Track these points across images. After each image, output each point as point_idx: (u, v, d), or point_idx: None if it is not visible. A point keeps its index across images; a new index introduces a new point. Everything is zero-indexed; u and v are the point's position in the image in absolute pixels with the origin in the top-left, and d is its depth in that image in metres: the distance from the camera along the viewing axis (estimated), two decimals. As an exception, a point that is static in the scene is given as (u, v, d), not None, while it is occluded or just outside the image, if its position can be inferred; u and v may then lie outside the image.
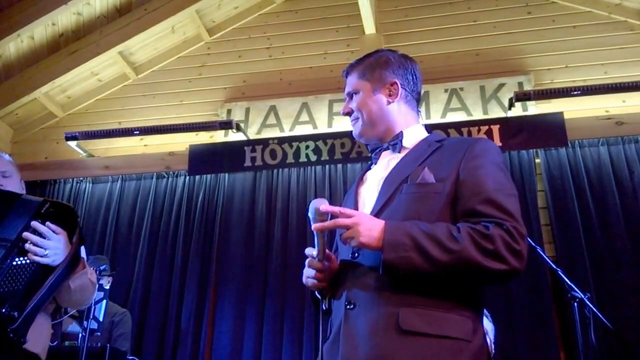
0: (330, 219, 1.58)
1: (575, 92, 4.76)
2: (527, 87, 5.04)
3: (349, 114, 1.90)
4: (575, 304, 3.12)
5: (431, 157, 1.69)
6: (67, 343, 3.87)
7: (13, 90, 5.62)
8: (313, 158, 5.17)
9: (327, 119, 5.39)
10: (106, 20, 5.63)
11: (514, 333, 4.30)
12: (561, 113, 4.83)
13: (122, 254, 5.26)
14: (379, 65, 1.87)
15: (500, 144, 4.78)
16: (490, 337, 3.43)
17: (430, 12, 5.66)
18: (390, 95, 1.84)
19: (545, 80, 5.15)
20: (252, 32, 6.01)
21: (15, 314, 1.93)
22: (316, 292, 1.78)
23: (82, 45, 5.62)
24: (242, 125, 5.43)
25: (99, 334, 3.75)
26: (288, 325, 4.70)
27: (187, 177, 5.43)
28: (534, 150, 4.88)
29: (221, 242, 5.14)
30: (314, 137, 5.25)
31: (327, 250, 1.65)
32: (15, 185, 2.37)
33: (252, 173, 5.31)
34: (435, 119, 5.14)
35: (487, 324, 3.43)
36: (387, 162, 1.79)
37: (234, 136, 5.47)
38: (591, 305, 3.07)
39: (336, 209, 1.57)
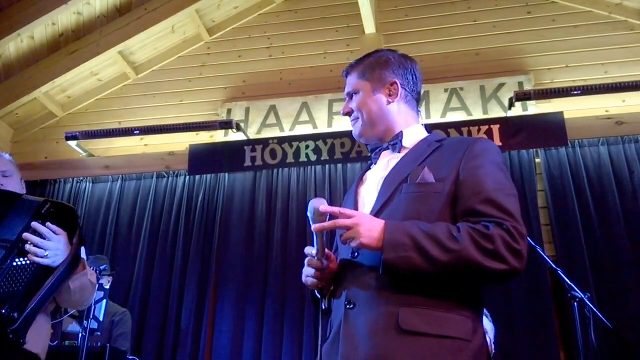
0: (330, 219, 1.58)
1: (575, 92, 4.76)
2: (527, 87, 5.04)
3: (349, 114, 1.90)
4: (575, 303, 3.12)
5: (431, 157, 1.69)
6: (67, 343, 3.87)
7: (13, 90, 5.62)
8: (313, 158, 5.17)
9: (327, 118, 5.39)
10: (106, 20, 5.62)
11: (514, 333, 4.30)
12: (561, 113, 4.83)
13: (122, 253, 5.26)
14: (379, 65, 1.87)
15: (501, 144, 4.78)
16: (490, 337, 3.42)
17: (430, 12, 5.66)
18: (390, 95, 1.84)
19: (545, 80, 5.15)
20: (252, 32, 6.01)
21: (15, 315, 1.93)
22: (316, 292, 1.78)
23: (82, 45, 5.62)
24: (242, 125, 5.43)
25: (99, 333, 3.75)
26: (288, 325, 4.71)
27: (187, 177, 5.44)
28: (534, 150, 4.87)
29: (221, 241, 5.14)
30: (314, 137, 5.25)
31: (326, 250, 1.65)
32: (15, 184, 2.37)
33: (252, 173, 5.31)
34: (436, 118, 5.14)
35: (487, 324, 3.43)
36: (387, 162, 1.79)
37: (234, 136, 5.47)
38: (591, 305, 3.07)
39: (336, 209, 1.57)
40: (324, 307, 1.75)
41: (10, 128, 5.96)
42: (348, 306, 1.58)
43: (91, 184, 5.69)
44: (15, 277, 2.00)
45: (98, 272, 3.53)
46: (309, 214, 1.59)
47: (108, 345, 3.56)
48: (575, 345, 3.68)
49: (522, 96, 4.83)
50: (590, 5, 5.31)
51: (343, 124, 5.21)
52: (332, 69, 5.55)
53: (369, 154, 1.91)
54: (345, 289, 1.63)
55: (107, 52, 5.59)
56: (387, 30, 5.66)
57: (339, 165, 5.15)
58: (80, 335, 3.72)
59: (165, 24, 5.62)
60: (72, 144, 5.54)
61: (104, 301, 3.81)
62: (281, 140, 5.29)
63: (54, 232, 2.10)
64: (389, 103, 1.83)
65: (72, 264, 2.14)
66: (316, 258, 1.65)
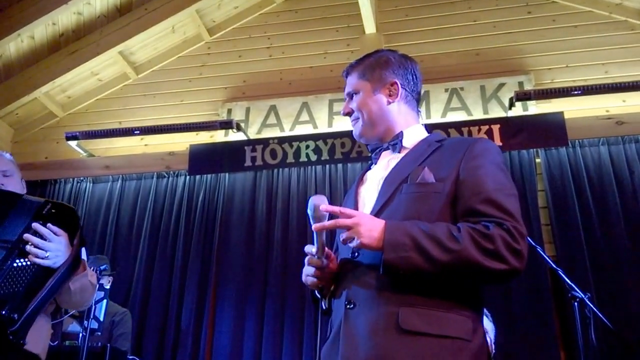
0: (330, 218, 1.58)
1: (575, 92, 4.75)
2: (528, 87, 5.04)
3: (349, 114, 1.90)
4: (576, 303, 3.11)
5: (431, 157, 1.69)
6: (67, 343, 3.87)
7: (13, 90, 5.62)
8: (313, 158, 5.17)
9: (328, 118, 5.39)
10: (106, 20, 5.63)
11: (514, 333, 4.30)
12: (561, 113, 4.83)
13: (123, 253, 5.26)
14: (379, 65, 1.87)
15: (501, 144, 4.78)
16: (490, 337, 3.43)
17: (431, 11, 5.66)
18: (390, 95, 1.84)
19: (545, 79, 5.15)
20: (252, 32, 6.01)
21: (15, 316, 1.93)
22: (316, 292, 1.78)
23: (83, 45, 5.63)
24: (242, 125, 5.43)
25: (99, 333, 3.75)
26: (288, 325, 4.70)
27: (188, 177, 5.44)
28: (535, 150, 4.87)
29: (221, 241, 5.14)
30: (314, 137, 5.24)
31: (326, 249, 1.65)
32: (16, 184, 2.36)
33: (252, 173, 5.31)
34: (436, 118, 5.14)
35: (488, 324, 3.43)
36: (387, 162, 1.79)
37: (234, 136, 5.47)
38: (591, 305, 3.07)
39: (336, 208, 1.57)
40: (323, 306, 1.75)
41: (10, 128, 5.96)
42: (348, 306, 1.58)
43: (91, 184, 5.69)
44: (16, 278, 2.00)
45: (98, 272, 3.53)
46: (309, 210, 1.59)
47: (108, 345, 3.56)
48: (575, 345, 3.69)
49: (522, 96, 4.83)
50: (590, 5, 5.31)
51: (343, 124, 5.21)
52: (332, 69, 5.55)
53: (369, 154, 1.91)
54: (345, 288, 1.63)
55: (107, 52, 5.59)
56: (387, 30, 5.66)
57: (339, 165, 5.15)
58: (81, 335, 3.72)
59: (165, 23, 5.62)
60: (72, 143, 5.54)
61: (104, 301, 3.81)
62: (281, 140, 5.29)
63: (55, 233, 2.09)
64: (389, 103, 1.83)
65: (73, 265, 2.14)
66: (316, 256, 1.65)
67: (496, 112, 5.07)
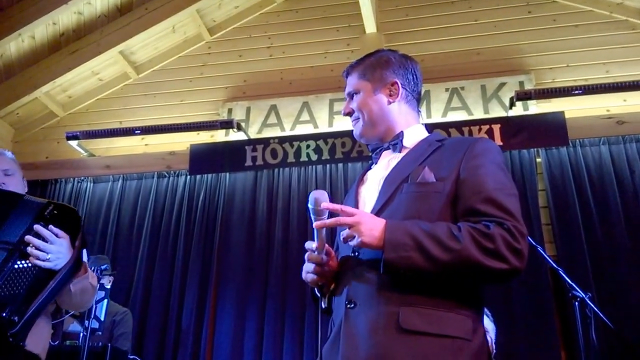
0: (331, 215, 1.58)
1: (576, 92, 4.75)
2: (528, 87, 5.03)
3: (349, 114, 1.90)
4: (576, 303, 3.11)
5: (432, 157, 1.69)
6: (68, 342, 3.87)
7: (14, 90, 5.62)
8: (314, 157, 5.17)
9: (328, 118, 5.39)
10: (107, 19, 5.62)
11: (514, 332, 4.30)
12: (562, 112, 4.82)
13: (123, 253, 5.26)
14: (380, 65, 1.87)
15: (501, 144, 4.78)
16: (491, 337, 3.42)
17: (431, 11, 5.65)
18: (390, 95, 1.84)
19: (546, 79, 5.14)
20: (252, 32, 6.01)
21: (16, 318, 1.92)
22: (316, 290, 1.78)
23: (83, 44, 5.62)
24: (242, 124, 5.43)
25: (100, 333, 3.75)
26: (289, 325, 4.70)
27: (188, 177, 5.43)
28: (535, 149, 4.87)
29: (222, 241, 5.14)
30: (315, 137, 5.24)
31: (326, 246, 1.66)
32: (17, 183, 2.36)
33: (253, 172, 5.31)
34: (436, 118, 5.14)
35: (488, 324, 3.43)
36: (387, 162, 1.79)
37: (234, 135, 5.47)
38: (592, 305, 3.07)
39: (337, 206, 1.57)
40: (323, 305, 1.75)
41: (11, 128, 5.96)
42: (348, 305, 1.58)
43: (92, 184, 5.69)
44: (17, 280, 1.99)
45: (99, 271, 3.53)
46: (309, 204, 1.59)
47: (109, 344, 3.56)
48: (576, 344, 3.68)
49: (523, 95, 4.83)
50: (590, 4, 5.31)
51: (344, 124, 5.21)
52: (333, 69, 5.55)
53: (370, 154, 1.91)
54: (345, 288, 1.63)
55: (107, 52, 5.59)
56: (387, 30, 5.66)
57: (340, 165, 5.15)
58: (81, 334, 3.72)
59: (165, 23, 5.62)
60: (73, 143, 5.54)
61: (105, 301, 3.81)
62: (282, 140, 5.29)
63: (57, 235, 2.08)
64: (389, 103, 1.83)
65: (74, 267, 2.13)
66: (316, 252, 1.65)
67: (497, 111, 5.07)
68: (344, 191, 4.90)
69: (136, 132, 5.42)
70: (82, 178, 5.70)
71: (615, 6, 5.22)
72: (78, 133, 5.46)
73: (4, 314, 1.90)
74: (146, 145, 5.68)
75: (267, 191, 5.22)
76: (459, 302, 1.53)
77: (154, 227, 5.31)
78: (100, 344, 3.64)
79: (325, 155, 5.15)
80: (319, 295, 1.77)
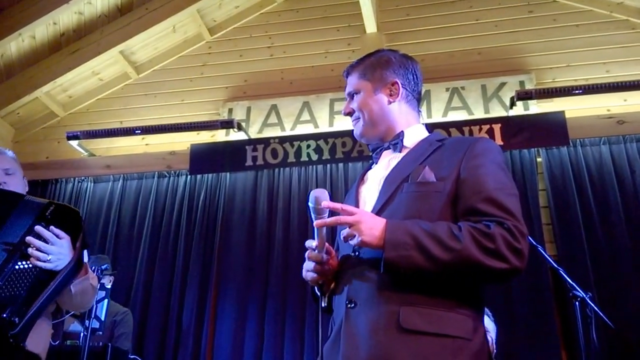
0: (331, 214, 1.58)
1: (576, 91, 4.75)
2: (529, 86, 5.03)
3: (350, 114, 1.90)
4: (577, 303, 3.11)
5: (432, 156, 1.69)
6: (68, 342, 3.87)
7: (14, 90, 5.62)
8: (314, 157, 5.17)
9: (329, 118, 5.39)
10: (107, 19, 5.63)
11: (514, 332, 4.29)
12: (562, 112, 4.82)
13: (124, 253, 5.26)
14: (380, 65, 1.87)
15: (502, 143, 4.78)
16: (492, 337, 3.42)
17: (432, 11, 5.65)
18: (391, 95, 1.84)
19: (546, 79, 5.14)
20: (253, 31, 6.01)
21: (16, 319, 1.92)
22: (316, 289, 1.78)
23: (83, 44, 5.62)
24: (243, 124, 5.42)
25: (100, 333, 3.75)
26: (289, 325, 4.70)
27: (189, 177, 5.43)
28: (536, 149, 4.87)
29: (222, 241, 5.14)
30: (315, 136, 5.24)
31: (326, 244, 1.66)
32: (18, 182, 2.35)
33: (253, 172, 5.31)
34: (437, 118, 5.14)
35: (489, 324, 3.43)
36: (387, 162, 1.79)
37: (235, 135, 5.47)
38: (592, 305, 3.07)
39: (338, 205, 1.57)
40: (323, 304, 1.75)
41: (11, 127, 5.96)
42: (349, 305, 1.59)
43: (92, 184, 5.69)
44: (17, 281, 1.99)
45: (99, 271, 3.53)
46: (310, 203, 1.59)
47: (109, 344, 3.56)
48: (576, 344, 3.68)
49: (524, 95, 4.82)
50: (591, 4, 5.31)
51: (344, 123, 5.21)
52: (333, 68, 5.55)
53: (370, 154, 1.91)
54: (346, 287, 1.64)
55: (108, 52, 5.59)
56: (388, 30, 5.66)
57: (340, 165, 5.15)
58: (82, 334, 3.72)
59: (166, 23, 5.62)
60: (73, 143, 5.54)
61: (106, 300, 3.81)
62: (282, 140, 5.29)
63: (58, 236, 2.07)
64: (389, 103, 1.84)
65: (75, 268, 2.12)
66: (316, 251, 1.65)
67: (497, 111, 5.06)
68: (345, 191, 4.90)
69: (136, 132, 5.42)
70: (83, 178, 5.70)
71: (616, 6, 5.22)
72: (78, 133, 5.46)
73: (5, 315, 1.89)
74: (146, 145, 5.68)
75: (268, 191, 5.22)
76: (459, 301, 1.53)
77: (155, 226, 5.31)
78: (100, 343, 3.64)
79: (326, 155, 5.15)
80: (319, 294, 1.77)
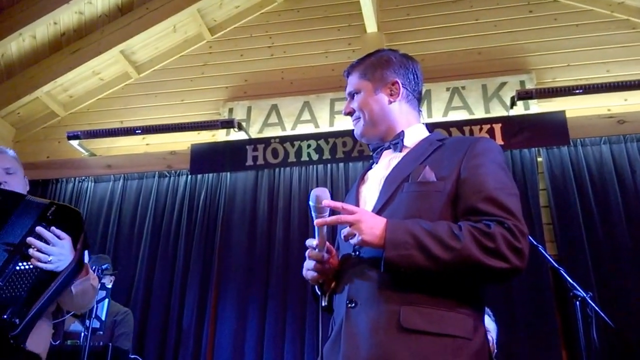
0: (332, 213, 1.58)
1: (577, 91, 4.75)
2: (529, 86, 5.03)
3: (350, 113, 1.90)
4: (577, 302, 3.11)
5: (432, 156, 1.69)
6: (69, 342, 3.88)
7: (15, 90, 5.63)
8: (315, 157, 5.17)
9: (329, 117, 5.39)
10: (108, 19, 5.63)
11: (515, 332, 4.29)
12: (563, 112, 4.82)
13: (124, 252, 5.26)
14: (380, 65, 1.87)
15: (502, 143, 4.78)
16: (492, 336, 3.42)
17: (432, 10, 5.65)
18: (391, 95, 1.84)
19: (547, 78, 5.14)
20: (253, 31, 6.01)
21: (17, 320, 1.91)
22: (316, 288, 1.78)
23: (84, 44, 5.63)
24: (243, 124, 5.43)
25: (101, 333, 3.75)
26: (290, 324, 4.70)
27: (189, 176, 5.44)
28: (536, 149, 4.87)
29: (223, 241, 5.14)
30: (316, 136, 5.24)
31: (327, 243, 1.66)
32: (19, 181, 2.34)
33: (253, 172, 5.31)
34: (437, 117, 5.14)
35: (490, 323, 3.43)
36: (388, 161, 1.79)
37: (235, 135, 5.47)
38: (593, 304, 3.07)
39: (338, 204, 1.57)
40: (323, 303, 1.75)
41: (12, 127, 5.97)
42: (349, 305, 1.59)
43: (93, 184, 5.69)
44: (18, 281, 1.98)
45: (100, 271, 3.53)
46: (310, 202, 1.60)
47: (110, 344, 3.56)
48: (577, 344, 3.68)
49: (524, 95, 4.82)
50: (591, 3, 5.30)
51: (345, 123, 5.21)
52: (334, 68, 5.55)
53: (371, 153, 1.91)
54: (346, 286, 1.64)
55: (108, 52, 5.59)
56: (388, 29, 5.66)
57: (341, 165, 5.15)
58: (82, 334, 3.73)
59: (166, 23, 5.62)
60: (74, 143, 5.55)
61: (106, 300, 3.81)
62: (283, 140, 5.29)
63: (59, 237, 2.07)
64: (390, 102, 1.84)
65: (76, 269, 2.12)
66: (317, 250, 1.65)
67: (498, 111, 5.06)
68: (345, 191, 4.89)
69: (137, 131, 5.42)
70: (83, 178, 5.71)
71: (616, 5, 5.21)
72: (79, 133, 5.46)
73: (5, 316, 1.89)
74: (147, 144, 5.68)
75: (268, 191, 5.22)
76: (459, 301, 1.53)
77: (155, 226, 5.31)
78: (101, 343, 3.65)
79: (326, 155, 5.15)
80: (319, 293, 1.77)
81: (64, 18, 5.46)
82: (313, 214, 1.61)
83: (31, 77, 5.63)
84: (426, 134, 1.85)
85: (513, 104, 4.90)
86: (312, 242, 1.67)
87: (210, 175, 5.40)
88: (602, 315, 3.08)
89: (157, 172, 5.54)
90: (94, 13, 5.55)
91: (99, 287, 2.70)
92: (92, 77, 5.91)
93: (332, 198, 1.59)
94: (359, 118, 1.87)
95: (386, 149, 1.84)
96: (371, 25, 5.42)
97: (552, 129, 4.78)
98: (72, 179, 5.71)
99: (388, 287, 1.54)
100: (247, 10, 6.05)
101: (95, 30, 5.63)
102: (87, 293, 2.25)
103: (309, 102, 5.48)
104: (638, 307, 4.18)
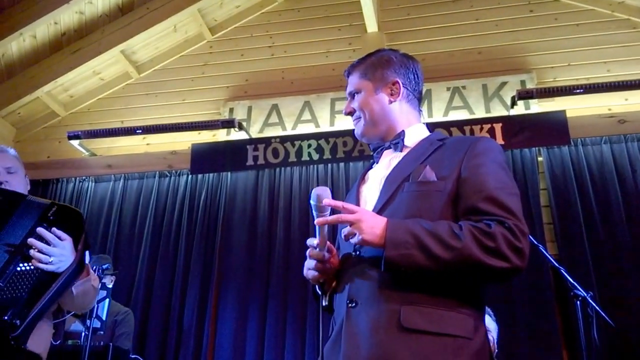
0: (333, 212, 1.58)
1: (577, 90, 4.75)
2: (530, 86, 5.03)
3: (351, 113, 1.90)
4: (578, 302, 3.11)
5: (433, 156, 1.69)
6: (70, 342, 3.88)
7: (15, 90, 5.63)
8: (315, 157, 5.17)
9: (329, 117, 5.39)
10: (108, 19, 5.63)
11: (516, 332, 4.29)
12: (564, 111, 4.82)
13: (125, 252, 5.27)
14: (381, 65, 1.87)
15: (503, 143, 4.78)
16: (493, 336, 3.42)
17: (433, 10, 5.65)
18: (392, 95, 1.84)
19: (547, 78, 5.14)
20: (254, 31, 6.01)
21: (18, 322, 1.91)
22: (317, 288, 1.78)
23: (85, 44, 5.63)
24: (244, 124, 5.43)
25: (101, 332, 3.75)
26: (290, 324, 4.70)
27: (190, 176, 5.44)
28: (537, 148, 4.87)
29: (223, 241, 5.14)
30: (316, 136, 5.24)
31: (328, 242, 1.66)
32: (20, 181, 2.34)
33: (254, 172, 5.31)
34: (438, 117, 5.14)
35: (490, 323, 3.43)
36: (388, 161, 1.79)
37: (236, 135, 5.47)
38: (594, 304, 3.07)
39: (339, 203, 1.57)
40: (324, 303, 1.75)
41: (12, 127, 5.97)
42: (350, 304, 1.58)
43: (93, 183, 5.69)
44: (19, 282, 1.98)
45: (100, 271, 3.53)
46: (311, 201, 1.60)
47: (110, 344, 3.57)
48: (577, 344, 3.68)
49: (525, 94, 4.82)
50: (592, 3, 5.30)
51: (345, 123, 5.21)
52: (334, 68, 5.55)
53: (371, 153, 1.91)
54: (347, 286, 1.63)
55: (109, 51, 5.59)
56: (389, 29, 5.66)
57: (341, 164, 5.15)
58: (83, 334, 3.73)
59: (167, 23, 5.62)
60: (75, 143, 5.55)
61: (107, 300, 3.81)
62: (283, 139, 5.29)
63: (60, 238, 2.06)
64: (390, 102, 1.84)
65: (77, 270, 2.11)
66: (318, 249, 1.65)
67: (498, 110, 5.06)
68: (346, 190, 4.89)
69: (137, 131, 5.42)
70: (84, 178, 5.71)
71: (617, 5, 5.21)
72: (79, 132, 5.46)
73: (6, 318, 1.89)
74: (147, 144, 5.68)
75: (269, 191, 5.22)
76: (460, 300, 1.53)
77: (156, 226, 5.31)
78: (102, 343, 3.65)
79: (327, 155, 5.15)
80: (319, 293, 1.77)
81: (64, 18, 5.46)
82: (314, 213, 1.61)
83: (32, 77, 5.64)
84: (427, 133, 1.85)
85: (514, 103, 4.90)
86: (312, 241, 1.67)
87: (211, 175, 5.40)
88: (603, 314, 3.08)
89: (157, 172, 5.54)
90: (94, 13, 5.55)
91: (99, 287, 2.70)
92: (92, 77, 5.91)
93: (333, 198, 1.59)
94: (360, 118, 1.87)
95: (387, 148, 1.84)
96: (372, 25, 5.42)
97: (553, 129, 4.78)
98: (73, 178, 5.72)
99: (388, 286, 1.54)
100: (247, 10, 6.05)
101: (96, 30, 5.64)
102: (88, 294, 2.25)
103: (309, 101, 5.48)
104: (639, 307, 4.18)
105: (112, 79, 6.01)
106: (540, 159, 4.86)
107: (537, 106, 5.02)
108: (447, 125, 4.93)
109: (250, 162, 5.28)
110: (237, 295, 4.89)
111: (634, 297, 4.21)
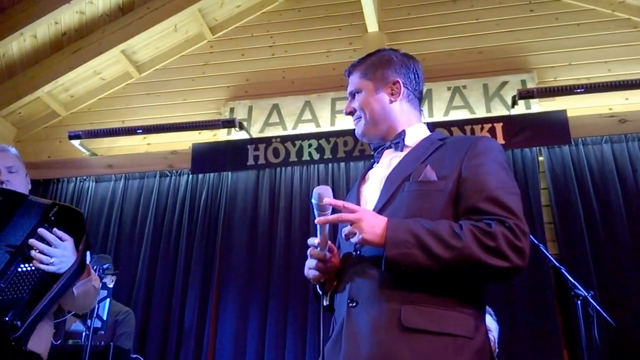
0: (333, 212, 1.58)
1: (578, 90, 4.75)
2: (530, 85, 5.03)
3: (351, 113, 1.90)
4: (579, 302, 3.11)
5: (433, 155, 1.69)
6: (70, 342, 3.88)
7: (16, 89, 5.63)
8: (316, 156, 5.17)
9: (330, 117, 5.39)
10: (109, 19, 5.63)
11: (516, 331, 4.29)
12: (564, 111, 4.82)
13: (126, 252, 5.27)
14: (381, 65, 1.87)
15: (504, 142, 4.78)
16: (494, 336, 3.42)
17: (433, 10, 5.65)
18: (392, 94, 1.84)
19: (548, 78, 5.14)
20: (254, 31, 6.01)
21: (19, 322, 1.91)
22: (317, 287, 1.78)
23: (85, 44, 5.63)
24: (245, 123, 5.43)
25: (102, 332, 3.75)
26: (291, 324, 4.70)
27: (190, 176, 5.44)
28: (537, 148, 4.87)
29: (224, 240, 5.14)
30: (317, 136, 5.24)
31: (329, 242, 1.66)
32: (21, 180, 2.34)
33: (255, 171, 5.31)
34: (438, 117, 5.14)
35: (491, 323, 3.43)
36: (389, 161, 1.79)
37: (236, 135, 5.47)
38: (594, 303, 3.07)
39: (340, 202, 1.57)
40: (325, 303, 1.75)
41: (13, 127, 5.97)
42: (350, 304, 1.58)
43: (94, 183, 5.69)
44: (20, 283, 1.98)
45: (101, 271, 3.53)
46: (312, 200, 1.60)
47: (111, 344, 3.57)
48: (578, 343, 3.68)
49: (525, 94, 4.82)
50: (593, 3, 5.30)
51: (346, 123, 5.21)
52: (335, 67, 5.55)
53: (372, 153, 1.91)
54: (347, 286, 1.63)
55: (109, 51, 5.59)
56: (389, 29, 5.65)
57: (342, 164, 5.15)
58: (84, 334, 3.73)
59: (167, 22, 5.62)
60: (75, 143, 5.55)
61: (108, 300, 3.81)
62: (284, 139, 5.29)
63: (61, 239, 2.06)
64: (391, 102, 1.83)
65: (78, 270, 2.11)
66: (318, 249, 1.65)
67: (499, 110, 5.06)
68: (346, 190, 4.89)
69: (138, 131, 5.42)
70: (85, 177, 5.71)
71: (617, 4, 5.21)
72: (80, 132, 5.46)
73: (7, 319, 1.88)
74: (148, 144, 5.69)
75: (269, 190, 5.22)
76: (460, 300, 1.53)
77: (156, 226, 5.32)
78: (102, 343, 3.65)
79: (328, 154, 5.15)
80: (320, 292, 1.77)
81: (65, 18, 5.46)
82: (315, 212, 1.61)
83: (32, 76, 5.64)
84: (427, 133, 1.85)
85: (514, 103, 4.90)
86: (313, 240, 1.67)
87: (212, 174, 5.40)
88: (604, 314, 3.08)
89: (158, 172, 5.54)
90: (95, 13, 5.55)
91: (100, 287, 2.70)
92: (93, 77, 5.91)
93: (334, 197, 1.59)
94: (360, 117, 1.87)
95: (387, 148, 1.84)
96: (372, 25, 5.42)
97: (554, 128, 4.78)
98: (73, 178, 5.72)
99: (389, 286, 1.54)
100: (248, 9, 6.05)
101: (97, 29, 5.64)
102: (89, 294, 2.25)
103: (310, 101, 5.48)
104: (639, 307, 4.17)
105: (112, 78, 6.01)
106: (541, 158, 4.86)
107: (538, 106, 5.02)
108: (447, 125, 4.93)
109: (250, 161, 5.28)
110: (238, 295, 4.89)
111: (635, 296, 4.21)
